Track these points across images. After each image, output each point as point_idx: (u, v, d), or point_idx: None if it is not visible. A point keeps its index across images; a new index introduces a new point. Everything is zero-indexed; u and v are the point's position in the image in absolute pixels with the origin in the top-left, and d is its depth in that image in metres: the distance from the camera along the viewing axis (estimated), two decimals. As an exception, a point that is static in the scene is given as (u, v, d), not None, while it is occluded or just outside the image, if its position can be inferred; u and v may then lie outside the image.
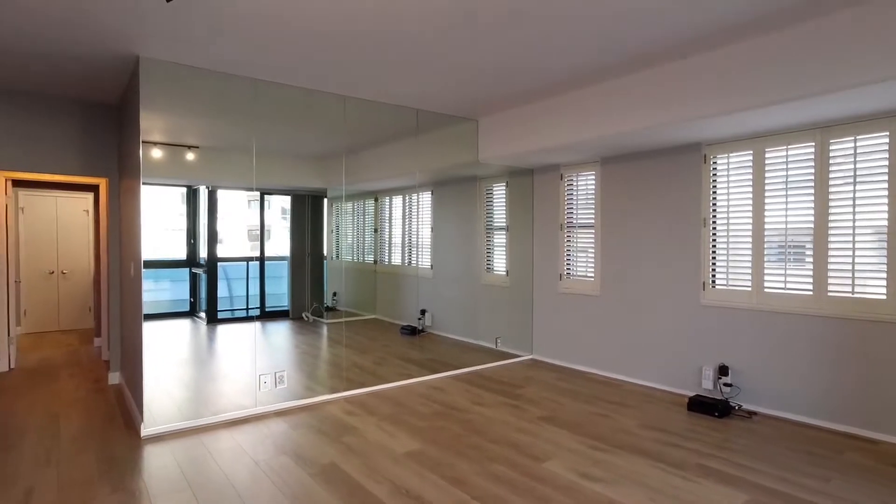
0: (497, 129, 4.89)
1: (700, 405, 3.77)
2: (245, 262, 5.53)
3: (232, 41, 3.14)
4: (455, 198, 6.46)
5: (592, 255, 4.96)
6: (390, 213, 6.96)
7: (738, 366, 3.86)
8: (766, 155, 3.72)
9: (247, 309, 5.51)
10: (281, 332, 5.65)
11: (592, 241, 4.96)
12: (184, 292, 5.03)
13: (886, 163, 3.20)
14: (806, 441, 3.24)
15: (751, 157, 3.80)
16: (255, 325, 5.45)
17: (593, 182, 4.94)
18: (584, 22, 2.87)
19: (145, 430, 3.35)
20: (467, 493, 2.61)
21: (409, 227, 6.84)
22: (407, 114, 4.71)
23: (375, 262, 7.18)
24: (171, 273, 4.93)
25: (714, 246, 4.03)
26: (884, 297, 3.21)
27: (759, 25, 2.93)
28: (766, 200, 3.72)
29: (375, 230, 7.25)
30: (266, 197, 5.42)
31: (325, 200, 6.08)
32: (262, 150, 4.06)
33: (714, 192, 4.02)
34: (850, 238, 3.33)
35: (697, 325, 4.11)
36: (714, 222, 4.03)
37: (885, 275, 3.20)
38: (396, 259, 6.86)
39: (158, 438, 3.32)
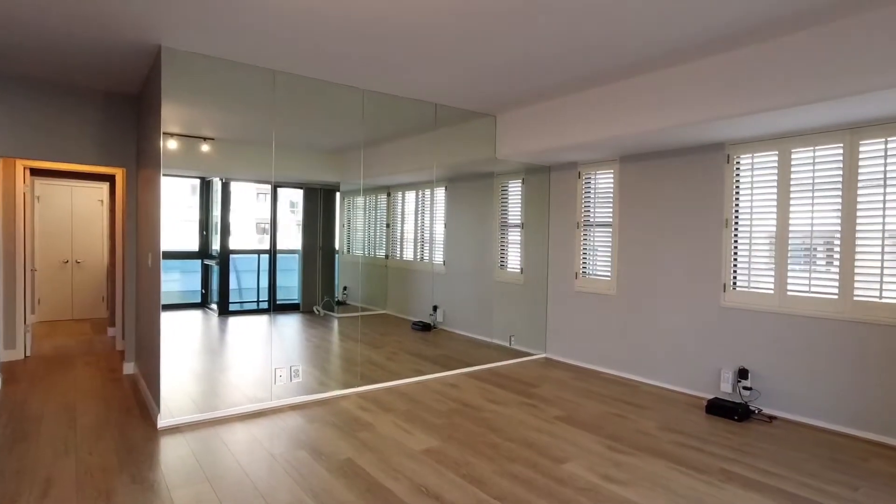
0: (516, 126, 4.84)
1: (719, 408, 3.72)
2: (256, 255, 5.53)
3: (256, 32, 3.11)
4: (469, 194, 6.42)
5: (609, 255, 4.91)
6: (403, 209, 6.93)
7: (759, 369, 3.80)
8: (793, 156, 3.65)
9: (257, 301, 5.50)
10: (292, 325, 5.65)
11: (609, 240, 4.90)
12: (195, 283, 5.03)
13: (919, 165, 3.13)
14: (829, 447, 3.19)
15: (776, 158, 3.73)
16: (269, 319, 5.45)
17: (611, 180, 4.89)
18: (608, 19, 2.82)
19: (162, 422, 3.35)
20: (487, 492, 2.58)
21: (421, 223, 6.82)
22: (426, 108, 4.67)
23: (387, 257, 7.16)
24: (182, 264, 4.93)
25: (736, 247, 3.97)
26: (913, 302, 3.14)
27: (787, 24, 2.86)
28: (791, 202, 3.65)
29: (388, 225, 7.23)
30: (278, 190, 5.41)
31: (338, 194, 6.07)
32: (279, 143, 4.04)
33: (737, 193, 3.96)
34: (880, 241, 3.27)
35: (717, 327, 4.05)
36: (736, 223, 3.96)
37: (914, 280, 3.14)
38: (408, 254, 6.84)
39: (175, 430, 3.31)
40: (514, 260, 5.90)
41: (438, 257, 6.68)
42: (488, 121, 5.03)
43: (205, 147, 4.33)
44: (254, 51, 3.42)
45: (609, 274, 4.90)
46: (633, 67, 3.60)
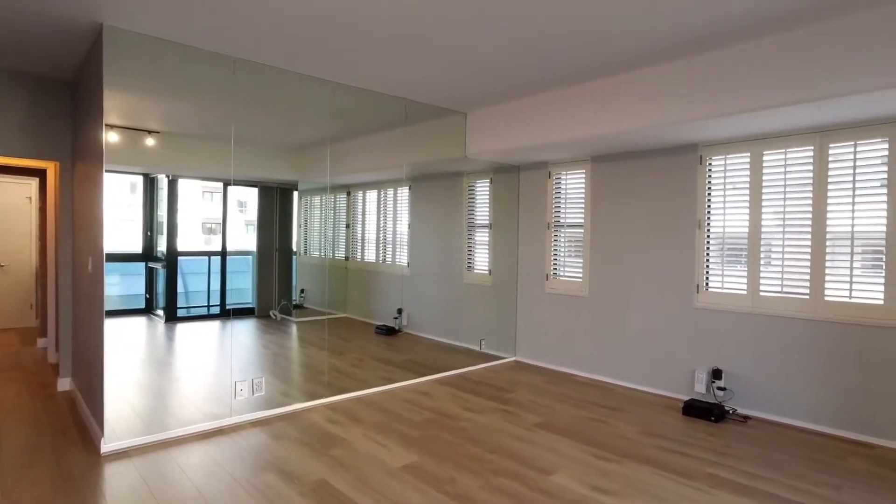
0: (486, 124, 4.71)
1: (696, 409, 3.72)
2: (206, 257, 5.14)
3: (214, 12, 2.81)
4: (436, 193, 6.24)
5: (581, 256, 4.86)
6: (364, 208, 6.68)
7: (733, 369, 3.83)
8: (765, 157, 3.69)
9: (208, 306, 5.12)
10: (247, 331, 5.30)
11: (581, 240, 4.85)
12: (138, 288, 4.61)
13: (885, 169, 3.20)
14: (806, 446, 3.22)
15: (748, 160, 3.76)
16: (221, 325, 5.08)
17: (583, 181, 4.84)
18: (581, 20, 2.72)
19: (106, 446, 2.99)
20: (477, 511, 2.42)
21: (384, 223, 6.59)
22: (395, 105, 4.45)
23: (347, 258, 6.88)
24: (123, 267, 4.51)
25: (709, 248, 3.99)
26: (881, 301, 3.22)
27: (759, 29, 2.86)
28: (763, 203, 3.69)
29: (347, 226, 6.95)
30: (229, 188, 5.04)
31: (296, 193, 5.75)
32: (236, 138, 3.73)
33: (709, 194, 3.98)
34: (849, 243, 3.33)
35: (691, 328, 4.06)
36: (709, 224, 3.98)
37: (882, 280, 3.21)
38: (370, 256, 6.59)
39: (122, 454, 2.96)
40: (481, 261, 5.77)
41: (403, 258, 6.47)
42: (458, 118, 4.88)
43: (150, 140, 3.94)
44: (211, 34, 3.11)
45: (581, 275, 4.85)
46: (606, 68, 3.53)
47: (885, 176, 3.21)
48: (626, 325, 4.48)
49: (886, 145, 3.20)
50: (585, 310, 4.79)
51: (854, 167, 3.32)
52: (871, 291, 3.26)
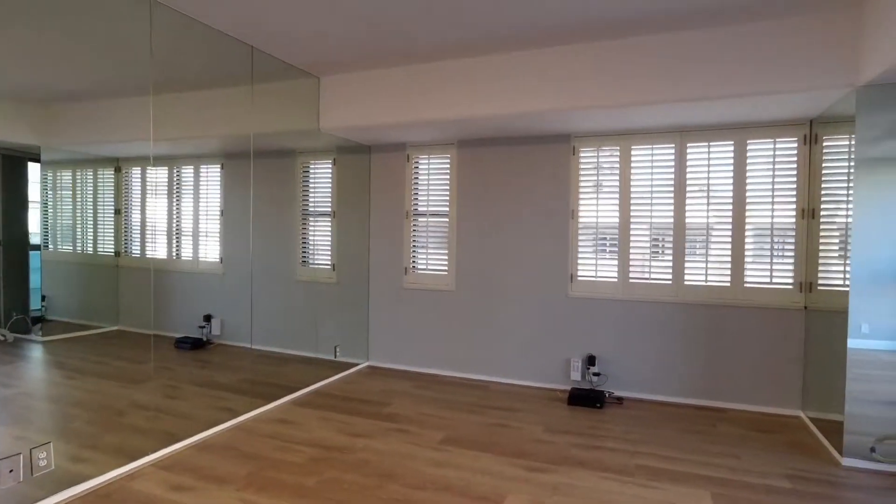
0: (342, 93, 3.99)
1: (581, 398, 3.76)
2: None
3: None
4: (259, 174, 5.14)
5: (446, 247, 4.53)
6: (146, 189, 5.15)
7: (605, 354, 3.99)
8: (633, 152, 3.90)
9: None
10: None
11: (446, 230, 4.52)
12: None
13: (731, 168, 3.67)
14: (681, 420, 3.50)
15: (618, 153, 3.94)
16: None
17: (448, 166, 4.51)
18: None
19: None
20: (461, 579, 1.87)
21: (181, 209, 5.18)
22: (239, 51, 3.40)
23: (118, 253, 5.22)
24: None
25: (582, 238, 4.07)
26: (728, 284, 3.69)
27: (629, 27, 3.01)
28: (632, 196, 3.91)
29: (118, 211, 5.27)
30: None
31: (39, 166, 4.06)
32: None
33: (581, 184, 4.06)
34: (704, 233, 3.74)
35: (565, 317, 4.11)
36: (582, 214, 4.07)
37: (729, 265, 3.69)
38: (158, 250, 5.12)
39: None
40: (322, 254, 4.97)
41: (213, 253, 5.19)
42: (311, 83, 4.02)
43: None
44: None
45: (446, 268, 4.52)
46: (480, 45, 3.33)
47: (731, 173, 3.67)
48: (497, 318, 4.33)
49: (732, 147, 3.67)
50: (452, 305, 4.49)
51: (709, 165, 3.72)
52: (721, 274, 3.71)
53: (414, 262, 4.67)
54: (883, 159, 2.73)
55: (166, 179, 5.19)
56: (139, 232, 5.42)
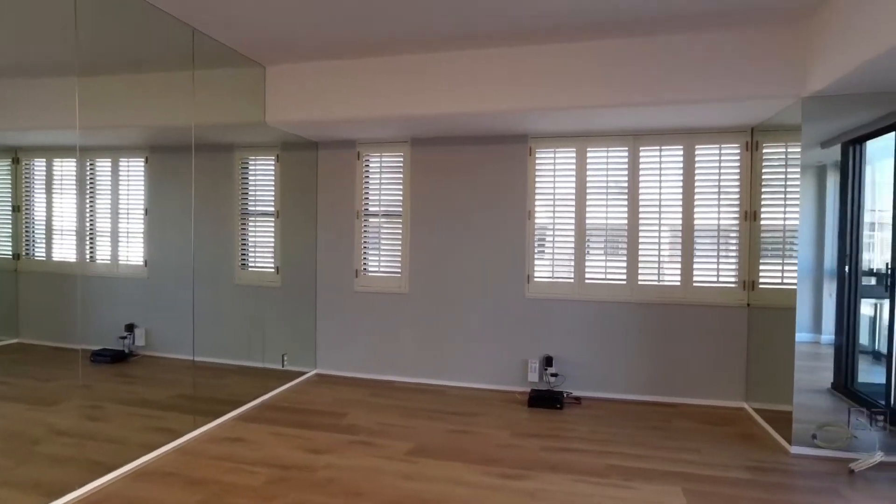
0: (289, 85, 3.74)
1: (540, 400, 3.75)
2: None
3: None
4: (188, 170, 4.71)
5: (399, 248, 4.37)
6: (50, 184, 4.57)
7: (562, 355, 4.02)
8: (588, 154, 3.95)
9: None
10: None
11: (400, 231, 4.37)
12: None
13: (681, 172, 3.81)
14: (638, 417, 3.58)
15: (574, 155, 3.98)
16: None
17: (401, 164, 4.35)
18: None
19: None
20: None
21: (94, 207, 4.65)
22: (179, 32, 3.06)
23: (17, 256, 4.60)
24: None
25: (540, 239, 4.07)
26: (678, 283, 3.83)
27: (583, 31, 3.06)
28: (588, 197, 3.96)
29: (16, 208, 4.65)
30: None
31: None
32: None
33: (537, 185, 4.06)
34: (657, 234, 3.86)
35: (522, 319, 4.09)
36: (538, 215, 4.07)
37: (679, 265, 3.83)
38: (66, 252, 4.57)
39: None
40: (265, 257, 4.64)
41: (136, 256, 4.69)
42: (257, 73, 3.72)
43: None
44: None
45: (399, 270, 4.37)
46: (435, 42, 3.27)
47: (681, 177, 3.82)
48: (453, 321, 4.24)
49: (681, 151, 3.81)
50: (405, 308, 4.35)
51: (660, 167, 3.84)
52: (672, 274, 3.84)
53: (365, 264, 4.47)
54: (825, 165, 2.93)
55: (75, 173, 4.64)
56: (44, 232, 4.80)
